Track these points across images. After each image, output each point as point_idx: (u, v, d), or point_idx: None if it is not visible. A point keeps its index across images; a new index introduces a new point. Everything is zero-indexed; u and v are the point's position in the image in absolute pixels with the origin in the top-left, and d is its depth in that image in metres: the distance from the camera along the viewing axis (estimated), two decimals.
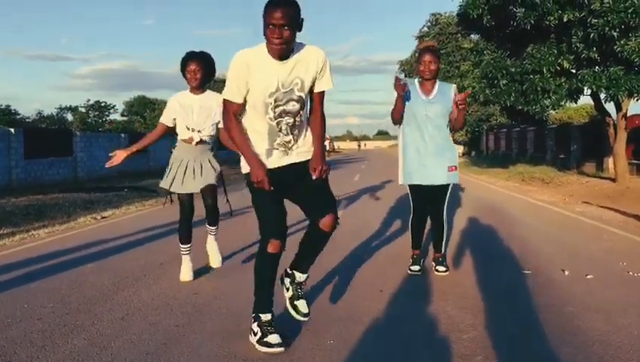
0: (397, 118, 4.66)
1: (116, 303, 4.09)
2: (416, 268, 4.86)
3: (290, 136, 3.13)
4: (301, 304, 3.33)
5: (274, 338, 3.10)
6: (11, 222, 9.01)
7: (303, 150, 3.21)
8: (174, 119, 4.68)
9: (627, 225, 7.45)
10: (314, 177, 3.13)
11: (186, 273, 4.78)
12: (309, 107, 3.20)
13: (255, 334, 3.17)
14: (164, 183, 4.78)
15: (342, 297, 4.18)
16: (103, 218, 9.38)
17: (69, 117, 47.49)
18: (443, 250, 4.95)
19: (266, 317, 3.18)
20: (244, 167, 3.17)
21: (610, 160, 16.71)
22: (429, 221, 4.94)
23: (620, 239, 6.47)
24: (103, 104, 50.44)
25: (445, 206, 4.82)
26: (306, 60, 3.02)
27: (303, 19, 2.92)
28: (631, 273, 4.76)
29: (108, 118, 50.34)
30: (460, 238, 6.49)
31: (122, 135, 25.19)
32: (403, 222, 7.42)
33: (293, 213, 3.49)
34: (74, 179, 19.97)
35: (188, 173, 4.70)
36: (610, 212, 8.82)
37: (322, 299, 4.13)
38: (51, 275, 5.02)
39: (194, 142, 4.62)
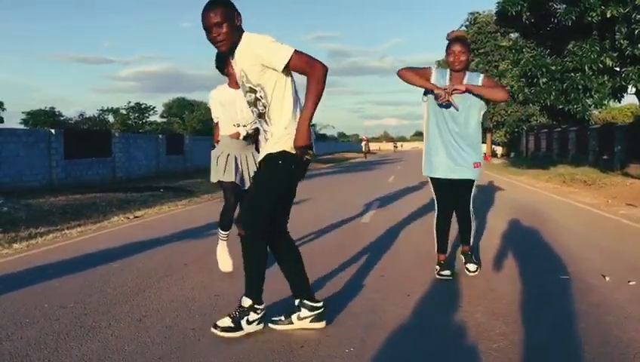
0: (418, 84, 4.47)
1: (136, 304, 4.02)
2: (447, 272, 4.63)
3: (265, 125, 3.25)
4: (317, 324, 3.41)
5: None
6: (48, 221, 9.13)
7: (269, 144, 3.25)
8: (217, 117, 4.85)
9: None
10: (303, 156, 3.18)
11: (225, 262, 4.87)
12: (277, 96, 3.17)
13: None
14: (213, 178, 4.86)
15: (367, 301, 4.02)
16: (135, 217, 9.42)
17: (111, 118, 48.43)
18: (471, 242, 4.76)
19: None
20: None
21: None
22: (454, 224, 4.75)
23: None
24: (143, 106, 51.26)
25: (471, 202, 4.63)
26: (240, 52, 3.14)
27: (239, 12, 3.10)
28: None
29: (148, 120, 51.14)
30: (495, 241, 6.24)
31: (160, 136, 25.47)
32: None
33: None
34: (112, 179, 20.29)
35: (237, 165, 4.78)
36: None
37: (347, 303, 3.96)
38: (76, 274, 5.00)
39: (241, 137, 4.68)
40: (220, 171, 4.77)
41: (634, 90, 13.53)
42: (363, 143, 57.98)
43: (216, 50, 4.62)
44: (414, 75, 4.47)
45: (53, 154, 17.39)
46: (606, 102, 14.59)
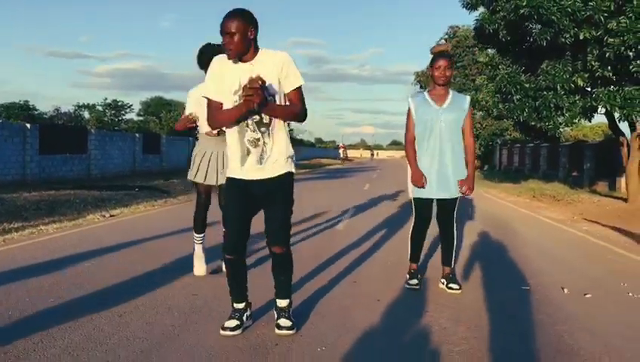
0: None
1: (114, 301, 4.15)
2: (414, 281, 4.77)
3: (259, 134, 3.35)
4: (282, 321, 3.53)
5: (229, 322, 3.51)
6: (22, 216, 9.15)
7: (278, 164, 3.41)
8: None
9: (633, 247, 7.40)
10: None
11: (199, 267, 5.02)
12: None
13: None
14: (190, 176, 5.02)
15: (339, 305, 4.21)
16: (111, 216, 9.48)
17: (86, 114, 47.91)
18: (453, 264, 4.83)
19: (237, 305, 3.57)
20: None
21: (623, 179, 16.60)
22: (429, 234, 4.92)
23: (625, 260, 6.43)
24: (119, 103, 50.87)
25: (455, 218, 4.76)
26: (265, 62, 3.32)
27: (255, 27, 3.29)
28: (631, 294, 4.75)
29: (124, 118, 50.72)
30: (463, 252, 6.49)
31: (137, 135, 25.39)
32: (408, 231, 7.43)
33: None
34: (87, 176, 20.20)
35: (211, 165, 4.93)
36: (618, 232, 8.76)
37: (319, 306, 4.16)
38: (55, 271, 5.10)
39: (214, 133, 4.77)
40: (196, 171, 4.93)
41: (603, 110, 13.97)
42: (341, 150, 58.44)
43: (199, 48, 4.82)
44: (412, 150, 4.65)
45: (27, 149, 17.27)
46: (576, 120, 15.01)
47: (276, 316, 3.56)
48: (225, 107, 3.36)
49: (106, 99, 50.46)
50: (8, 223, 8.20)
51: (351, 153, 77.17)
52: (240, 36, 3.21)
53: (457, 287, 4.68)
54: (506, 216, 11.01)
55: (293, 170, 3.52)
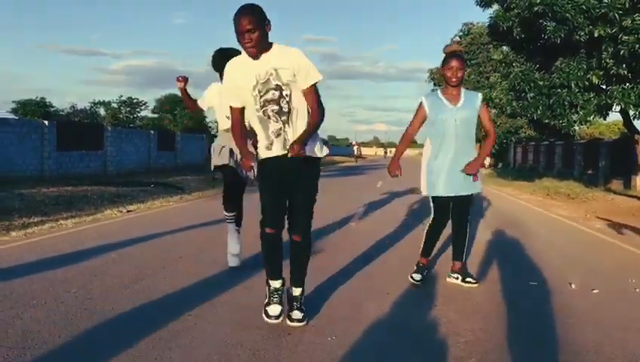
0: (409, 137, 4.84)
1: (135, 292, 4.31)
2: (418, 277, 4.85)
3: (280, 124, 3.46)
4: (295, 313, 3.62)
5: (273, 309, 3.58)
6: (41, 211, 9.37)
7: (308, 146, 3.42)
8: (210, 108, 5.17)
9: None
10: (289, 155, 3.35)
11: (233, 246, 5.16)
12: (302, 101, 3.45)
13: (265, 299, 3.66)
14: (213, 163, 5.13)
15: (348, 297, 4.34)
16: (128, 211, 9.68)
17: (102, 111, 48.32)
18: (465, 260, 4.92)
19: (274, 283, 3.64)
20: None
21: (638, 178, 16.56)
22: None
23: (635, 257, 6.48)
24: (134, 100, 51.19)
25: (469, 214, 4.84)
26: (279, 55, 3.38)
27: (269, 20, 3.33)
28: (638, 290, 4.82)
29: (139, 115, 51.08)
30: (473, 248, 6.58)
31: (152, 132, 25.65)
32: (419, 228, 7.54)
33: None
34: (103, 172, 20.48)
35: (229, 152, 5.04)
36: (631, 231, 8.79)
37: (329, 298, 4.29)
38: (76, 263, 5.27)
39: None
40: (217, 158, 5.07)
41: (618, 108, 13.95)
42: (355, 148, 58.41)
43: (215, 50, 4.93)
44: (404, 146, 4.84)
45: (45, 146, 17.58)
46: (591, 118, 14.99)
47: (288, 307, 3.66)
48: (247, 105, 3.48)
49: (121, 96, 50.87)
50: (28, 218, 8.41)
51: (364, 151, 77.03)
52: (259, 32, 3.25)
53: (474, 281, 4.79)
54: (518, 213, 11.06)
55: (320, 156, 3.59)
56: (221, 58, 4.63)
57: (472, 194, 4.79)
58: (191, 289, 4.46)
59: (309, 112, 3.49)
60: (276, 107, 3.42)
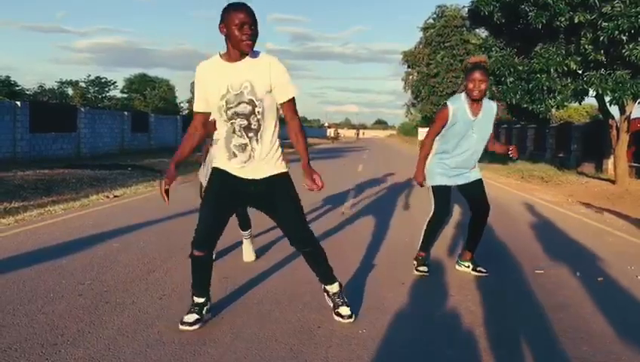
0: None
1: (151, 283, 4.27)
2: (424, 268, 4.87)
3: (246, 140, 3.23)
4: (342, 310, 3.59)
5: (189, 316, 3.41)
6: (21, 195, 9.19)
7: (270, 164, 3.31)
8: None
9: (630, 229, 7.65)
10: (307, 188, 3.32)
11: (248, 254, 5.13)
12: (272, 117, 3.26)
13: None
14: (201, 177, 4.93)
15: (365, 289, 4.36)
16: (115, 196, 9.53)
17: (70, 91, 47.18)
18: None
19: (197, 299, 3.48)
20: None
21: (610, 161, 16.94)
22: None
23: (625, 243, 6.66)
24: (103, 80, 50.14)
25: (489, 208, 4.90)
26: (256, 65, 3.15)
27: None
28: (639, 277, 4.97)
29: (108, 95, 50.06)
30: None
31: (125, 113, 25.18)
32: (415, 215, 7.61)
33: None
34: (77, 154, 20.09)
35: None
36: (613, 215, 9.02)
37: (346, 289, 4.29)
38: (78, 252, 5.19)
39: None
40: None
41: (594, 93, 14.21)
42: (331, 130, 58.37)
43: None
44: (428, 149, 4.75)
45: (18, 128, 17.13)
46: (567, 103, 15.29)
47: (332, 304, 3.63)
48: (215, 113, 3.24)
49: (89, 75, 49.64)
50: (9, 203, 8.24)
51: (340, 132, 76.44)
52: (256, 27, 3.08)
53: (485, 271, 4.88)
54: (502, 198, 11.22)
55: (286, 170, 3.40)
56: None
57: (481, 180, 4.82)
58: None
59: (275, 124, 3.30)
60: (244, 122, 3.18)
